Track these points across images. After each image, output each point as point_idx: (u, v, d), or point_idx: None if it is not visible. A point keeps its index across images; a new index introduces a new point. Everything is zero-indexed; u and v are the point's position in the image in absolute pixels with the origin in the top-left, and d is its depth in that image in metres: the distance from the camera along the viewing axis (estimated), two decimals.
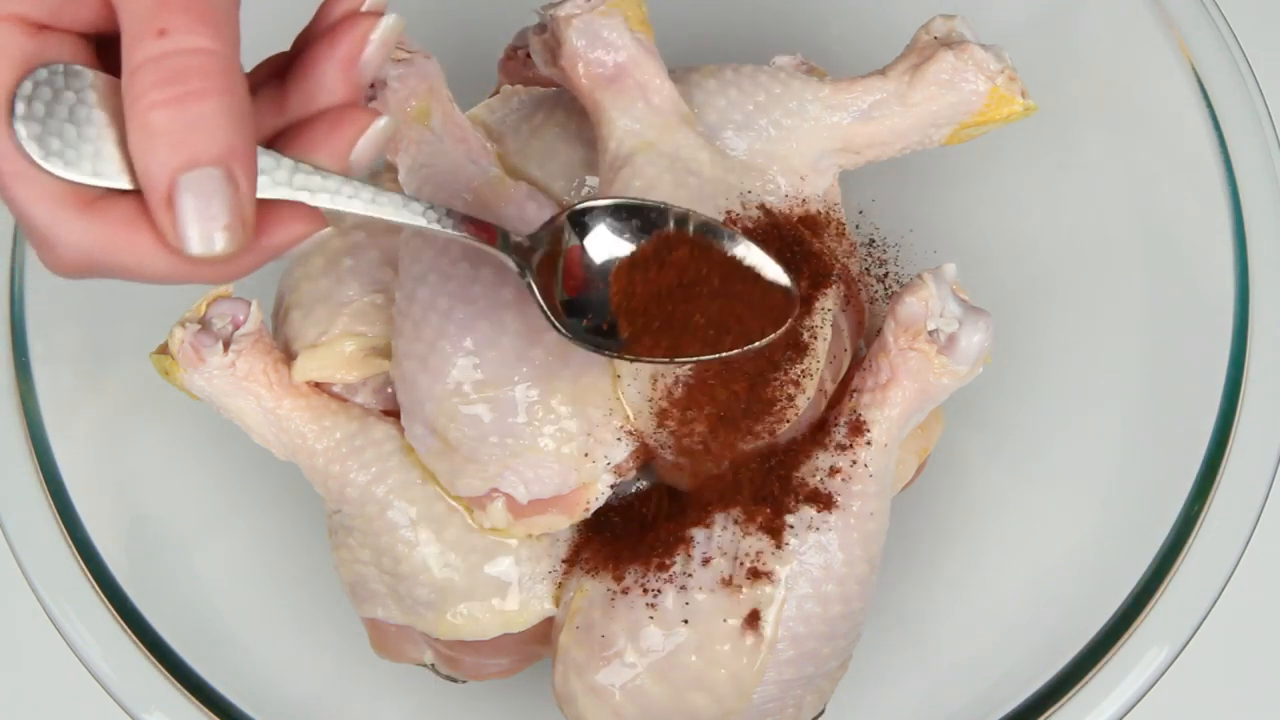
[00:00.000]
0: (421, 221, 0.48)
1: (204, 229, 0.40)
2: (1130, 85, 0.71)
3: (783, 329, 0.56)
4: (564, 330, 0.54)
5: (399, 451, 0.64)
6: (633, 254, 0.55)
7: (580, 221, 0.55)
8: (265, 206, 0.43)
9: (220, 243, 0.41)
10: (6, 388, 0.62)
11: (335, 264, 0.67)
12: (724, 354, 0.55)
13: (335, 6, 0.46)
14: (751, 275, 0.56)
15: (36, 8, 0.41)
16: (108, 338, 0.68)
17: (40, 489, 0.61)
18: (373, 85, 0.64)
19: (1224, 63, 0.66)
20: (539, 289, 0.53)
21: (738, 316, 0.55)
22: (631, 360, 0.55)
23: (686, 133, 0.63)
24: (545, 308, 0.53)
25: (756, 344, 0.55)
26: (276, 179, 0.43)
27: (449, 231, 0.49)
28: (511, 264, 0.52)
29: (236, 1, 0.42)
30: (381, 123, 0.44)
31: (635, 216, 0.55)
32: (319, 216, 0.44)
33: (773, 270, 0.56)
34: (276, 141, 0.44)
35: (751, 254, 0.56)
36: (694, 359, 0.55)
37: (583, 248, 0.55)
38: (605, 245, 0.55)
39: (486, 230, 0.51)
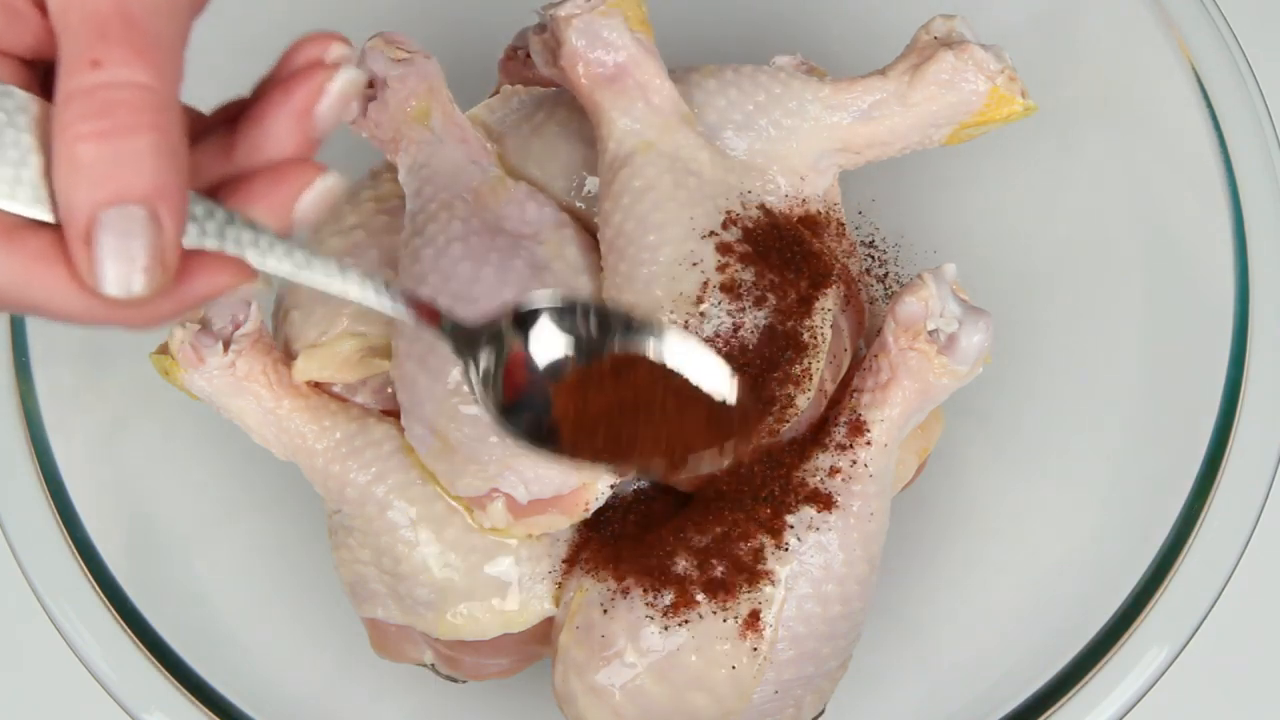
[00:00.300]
0: (356, 293, 0.45)
1: (121, 269, 0.39)
2: (1130, 85, 0.71)
3: (731, 448, 0.52)
4: (504, 426, 0.51)
5: (399, 451, 0.64)
6: (577, 370, 0.51)
7: (525, 320, 0.51)
8: (191, 254, 0.41)
9: (138, 285, 0.39)
10: (6, 388, 0.62)
11: None
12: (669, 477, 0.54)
13: (298, 54, 0.44)
14: (696, 391, 0.52)
15: None
16: (108, 338, 0.68)
17: (40, 489, 0.61)
18: (372, 85, 0.64)
19: (1224, 63, 0.66)
20: (479, 380, 0.50)
21: (684, 438, 0.52)
22: (573, 463, 0.53)
23: (686, 133, 0.63)
24: (485, 401, 0.50)
25: (704, 469, 0.52)
26: (206, 229, 0.41)
27: (386, 305, 0.46)
28: (450, 348, 0.49)
29: (182, 39, 0.41)
30: (329, 180, 0.42)
31: (582, 316, 0.51)
32: (248, 269, 0.42)
33: (718, 379, 0.52)
34: (219, 191, 0.42)
35: (695, 357, 0.52)
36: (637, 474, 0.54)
37: (527, 351, 0.51)
38: (550, 347, 0.51)
39: (428, 312, 0.48)
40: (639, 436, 0.52)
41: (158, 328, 0.42)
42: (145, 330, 0.42)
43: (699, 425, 0.52)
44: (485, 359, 0.51)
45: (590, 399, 0.52)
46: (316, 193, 0.42)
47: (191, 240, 0.41)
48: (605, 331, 0.52)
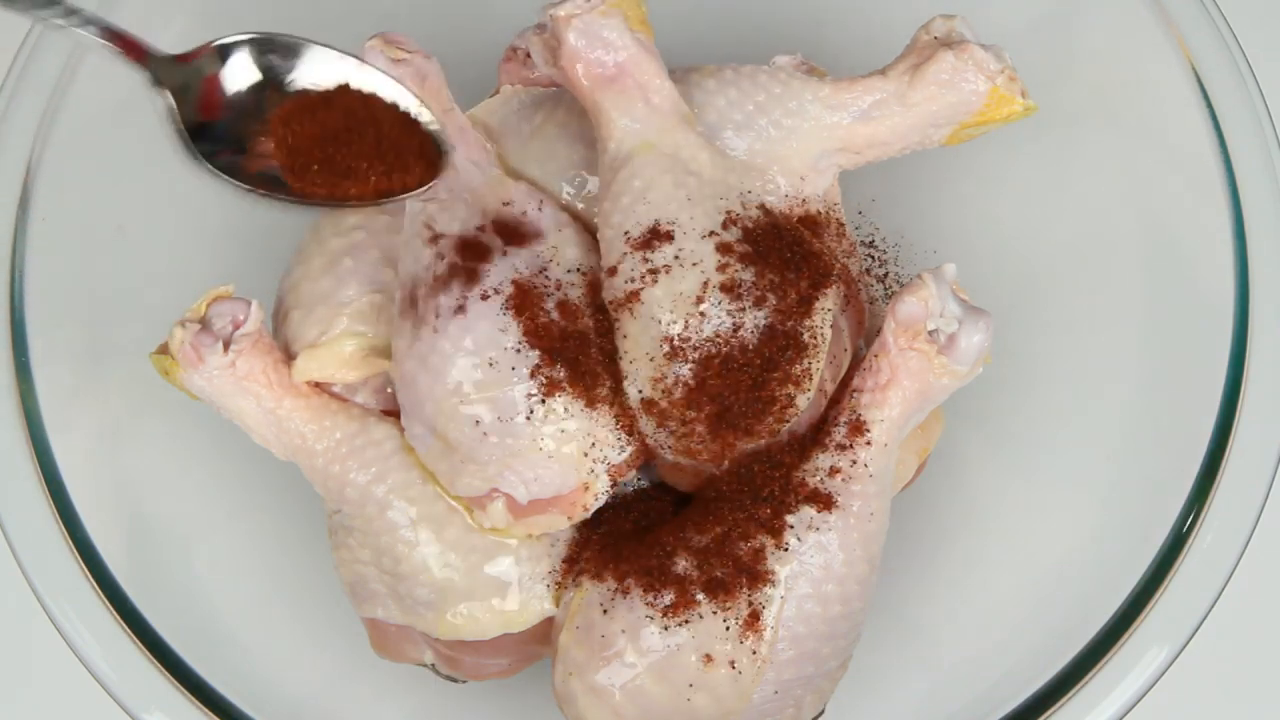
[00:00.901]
0: (59, 23, 0.47)
1: None
2: (1130, 85, 0.71)
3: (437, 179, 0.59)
4: (197, 156, 0.55)
5: (399, 451, 0.64)
6: (296, 97, 0.56)
7: (225, 53, 0.56)
8: None
9: None
10: (6, 388, 0.63)
11: (335, 264, 0.67)
12: (382, 200, 0.58)
13: None
14: (407, 119, 0.59)
15: None
16: (108, 338, 0.68)
17: (40, 489, 0.61)
18: None
19: (1224, 63, 0.66)
20: (176, 112, 0.54)
21: (398, 160, 0.58)
22: (287, 200, 0.57)
23: (686, 133, 0.63)
24: (181, 130, 0.54)
25: (416, 193, 0.58)
26: None
27: (89, 38, 0.49)
28: (150, 80, 0.53)
29: None
30: None
31: (280, 53, 0.57)
32: None
33: (420, 114, 0.59)
34: None
35: (403, 98, 0.58)
36: (352, 203, 0.57)
37: (220, 77, 0.56)
38: (246, 76, 0.56)
39: (128, 45, 0.51)
40: (353, 158, 0.57)
41: None
42: None
43: (408, 143, 0.58)
44: (186, 91, 0.55)
45: (301, 128, 0.57)
46: None
47: None
48: (301, 65, 0.57)
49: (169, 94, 0.54)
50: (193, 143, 0.55)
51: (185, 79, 0.56)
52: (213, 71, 0.56)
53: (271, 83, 0.58)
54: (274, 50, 0.57)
